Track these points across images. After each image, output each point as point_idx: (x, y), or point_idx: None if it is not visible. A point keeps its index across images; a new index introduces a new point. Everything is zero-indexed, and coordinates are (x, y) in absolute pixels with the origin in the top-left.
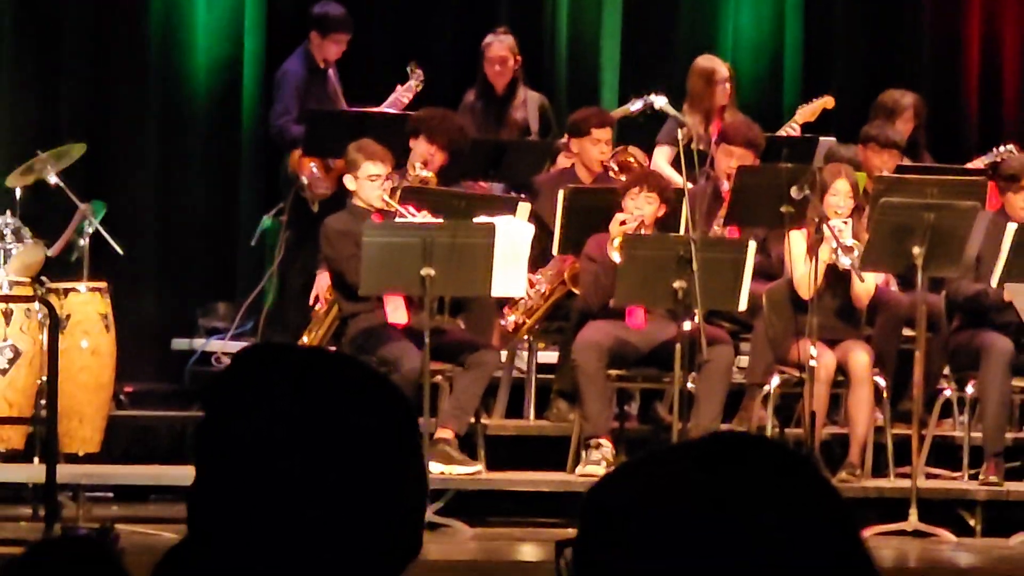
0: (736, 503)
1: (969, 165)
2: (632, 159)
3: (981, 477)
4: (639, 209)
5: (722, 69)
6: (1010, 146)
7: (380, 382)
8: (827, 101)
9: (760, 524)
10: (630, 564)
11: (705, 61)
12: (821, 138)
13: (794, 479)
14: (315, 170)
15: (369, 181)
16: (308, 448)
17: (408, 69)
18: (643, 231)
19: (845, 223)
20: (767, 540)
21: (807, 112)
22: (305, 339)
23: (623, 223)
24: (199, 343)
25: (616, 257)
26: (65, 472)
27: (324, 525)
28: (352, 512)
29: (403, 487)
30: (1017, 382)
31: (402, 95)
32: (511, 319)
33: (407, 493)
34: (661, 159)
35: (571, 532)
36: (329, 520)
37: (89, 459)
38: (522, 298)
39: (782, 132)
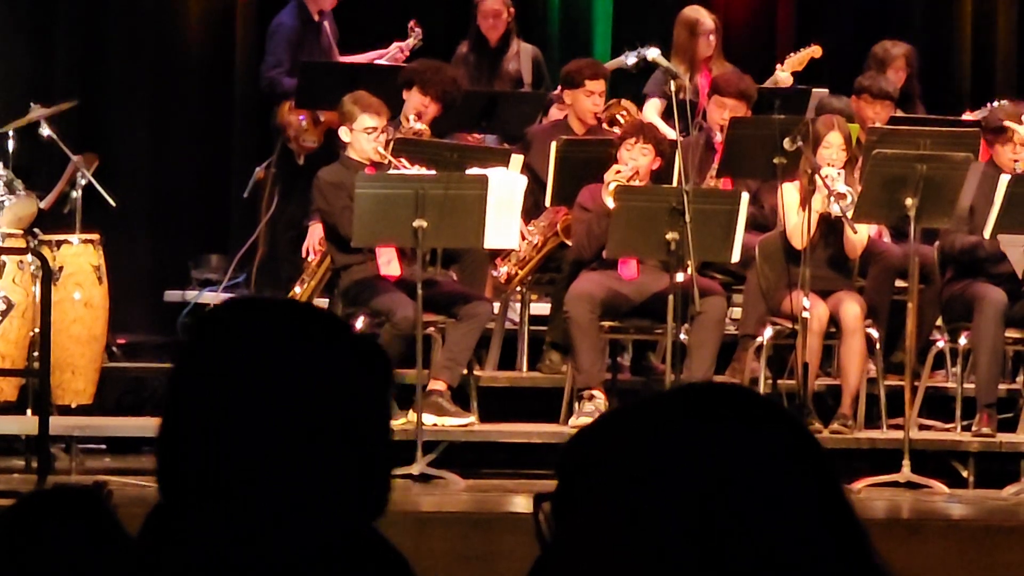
0: (713, 454)
1: (963, 119)
2: (624, 113)
3: (974, 428)
4: (634, 160)
5: (707, 20)
6: (1004, 102)
7: (351, 335)
8: (814, 50)
9: (738, 475)
10: (609, 518)
11: (690, 12)
12: (814, 89)
13: (773, 430)
14: (302, 122)
15: (365, 134)
16: (277, 398)
17: (408, 27)
18: (638, 182)
19: (839, 173)
20: (746, 491)
21: (795, 61)
22: (297, 290)
23: (619, 172)
24: (192, 295)
25: (610, 203)
26: (58, 424)
27: (292, 475)
28: (319, 461)
29: (370, 437)
30: (1010, 333)
31: (399, 54)
32: (504, 271)
33: (374, 444)
34: (652, 112)
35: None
36: (297, 469)
37: (82, 411)
38: (514, 250)
39: (769, 83)
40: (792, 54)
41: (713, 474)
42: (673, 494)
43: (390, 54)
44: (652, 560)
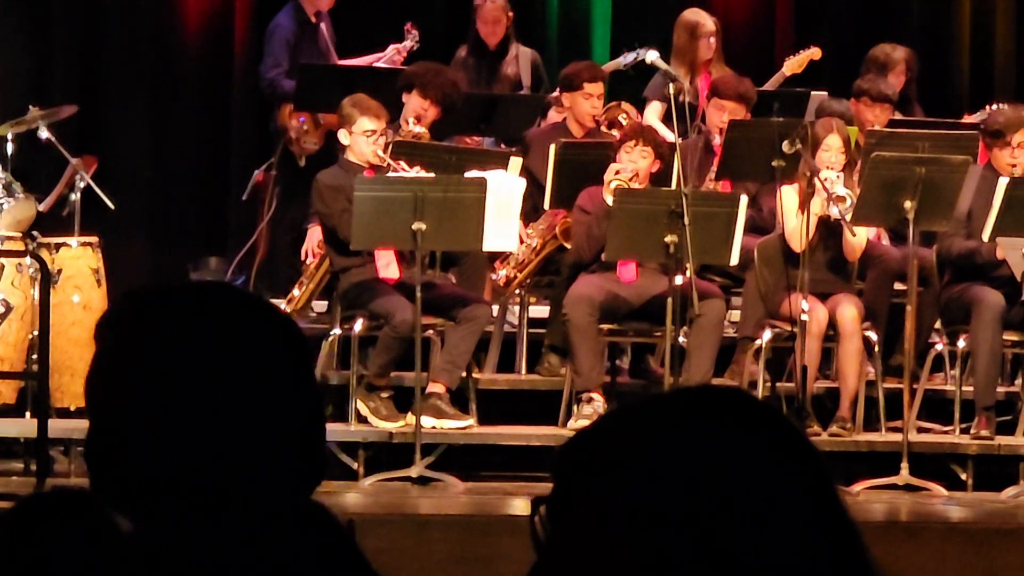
0: (709, 456)
1: (962, 122)
2: (624, 116)
3: (972, 431)
4: (634, 163)
5: (707, 23)
6: (1003, 105)
7: (264, 309)
8: (814, 52)
9: (734, 477)
10: (605, 520)
11: (691, 14)
12: (812, 92)
13: (768, 433)
14: (303, 124)
15: (364, 137)
16: (197, 379)
17: (405, 29)
18: (637, 185)
19: (837, 176)
20: (741, 493)
21: (794, 64)
22: (296, 293)
23: (618, 172)
24: None
25: (611, 200)
26: (57, 427)
27: (223, 454)
28: (248, 438)
29: (294, 405)
30: (1008, 336)
31: (396, 55)
32: (502, 273)
33: (299, 411)
34: (652, 115)
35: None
36: (227, 448)
37: (81, 413)
38: (513, 252)
39: (768, 85)
40: (791, 56)
41: (709, 476)
42: (669, 496)
43: (387, 56)
44: (648, 562)
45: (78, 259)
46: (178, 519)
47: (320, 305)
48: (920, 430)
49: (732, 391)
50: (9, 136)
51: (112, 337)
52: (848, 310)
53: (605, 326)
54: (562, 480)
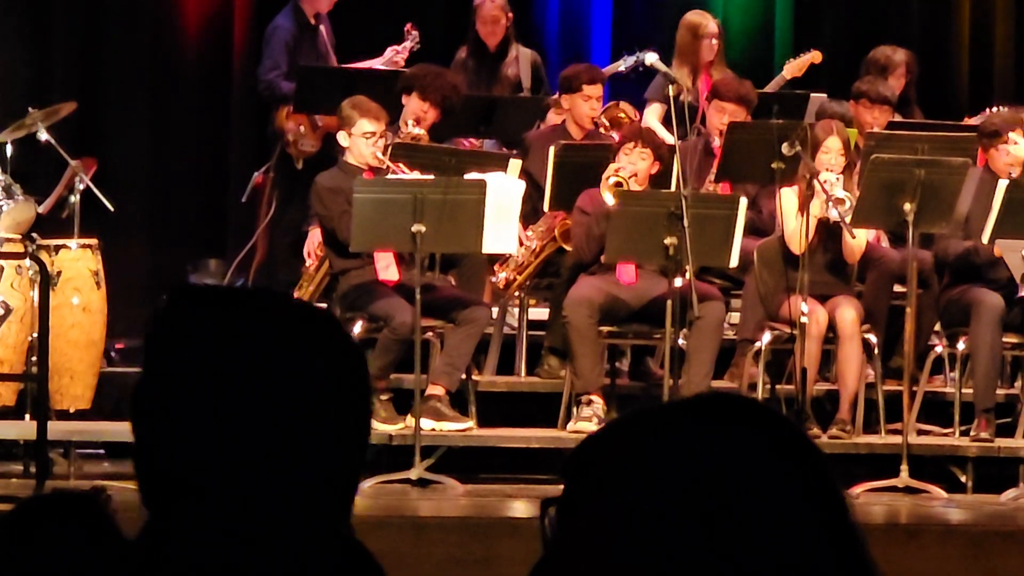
0: (714, 459)
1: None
2: (623, 115)
3: (972, 433)
4: (633, 165)
5: (710, 24)
6: (1004, 108)
7: (325, 323)
8: (815, 56)
9: (739, 480)
10: (613, 523)
11: (694, 16)
12: (812, 94)
13: (773, 435)
14: (300, 127)
15: (364, 139)
16: (251, 393)
17: (404, 30)
18: (636, 187)
19: (837, 178)
20: (746, 496)
21: (795, 67)
22: (295, 295)
23: (618, 171)
24: None
25: (609, 198)
26: (56, 429)
27: (269, 472)
28: (295, 452)
29: (346, 424)
30: (1008, 338)
31: (396, 56)
32: (502, 276)
33: (350, 431)
34: (652, 117)
35: (560, 489)
36: (273, 462)
37: (80, 416)
38: (513, 255)
39: (769, 88)
40: (792, 59)
41: (712, 479)
42: (672, 498)
43: (386, 58)
44: (653, 563)
45: (77, 261)
46: (200, 526)
47: (319, 307)
48: (920, 432)
49: (742, 399)
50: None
51: (167, 340)
52: (848, 312)
53: (605, 328)
54: (572, 482)
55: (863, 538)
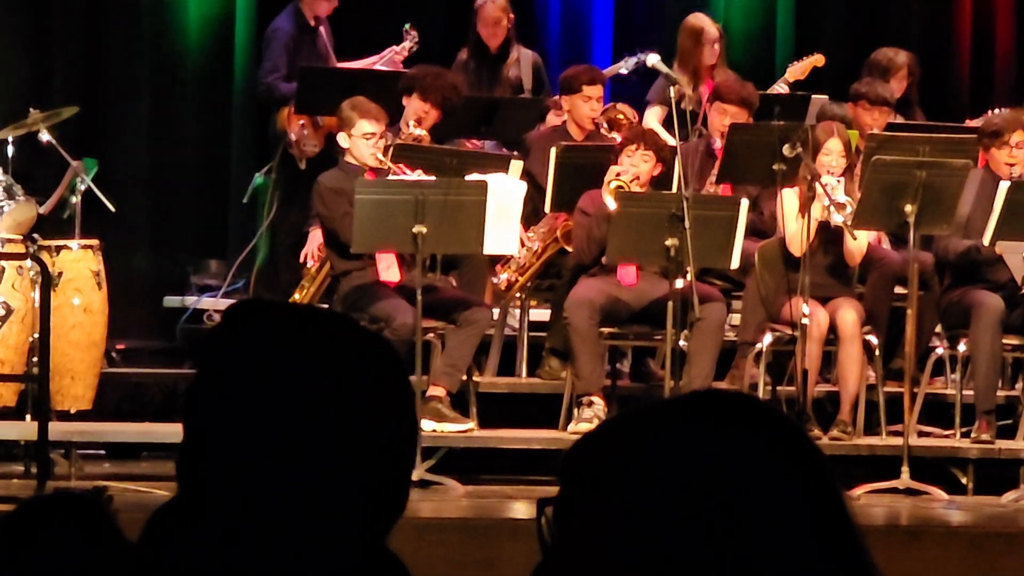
0: (714, 458)
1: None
2: (621, 116)
3: (973, 435)
4: (635, 167)
5: (711, 28)
6: (1005, 110)
7: (371, 338)
8: (817, 59)
9: (739, 480)
10: (610, 522)
11: (695, 19)
12: (813, 96)
13: (773, 435)
14: (303, 127)
15: (364, 139)
16: (300, 405)
17: (404, 30)
18: (638, 188)
19: (838, 181)
20: (746, 496)
21: (797, 70)
22: (296, 297)
23: (619, 174)
24: (191, 300)
25: (610, 202)
26: (57, 429)
27: (314, 483)
28: (342, 469)
29: (394, 445)
30: (1008, 340)
31: (396, 56)
32: (503, 277)
33: (397, 451)
34: (652, 119)
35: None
36: (319, 477)
37: (81, 416)
38: (514, 256)
39: (772, 90)
40: (795, 63)
41: (712, 478)
42: (672, 497)
43: (386, 58)
44: (651, 563)
45: (79, 262)
46: (244, 537)
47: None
48: (920, 434)
49: (738, 395)
50: (10, 139)
51: (228, 348)
52: (848, 314)
53: (606, 329)
54: (568, 482)
55: (863, 538)
